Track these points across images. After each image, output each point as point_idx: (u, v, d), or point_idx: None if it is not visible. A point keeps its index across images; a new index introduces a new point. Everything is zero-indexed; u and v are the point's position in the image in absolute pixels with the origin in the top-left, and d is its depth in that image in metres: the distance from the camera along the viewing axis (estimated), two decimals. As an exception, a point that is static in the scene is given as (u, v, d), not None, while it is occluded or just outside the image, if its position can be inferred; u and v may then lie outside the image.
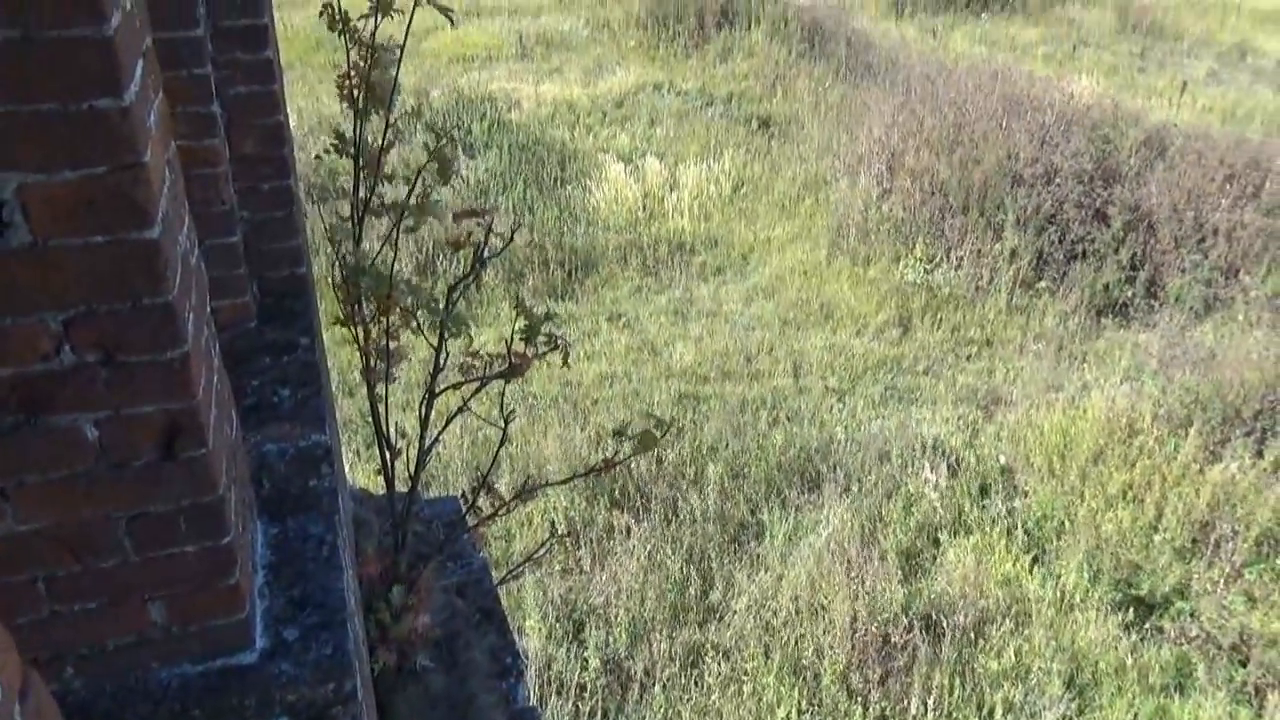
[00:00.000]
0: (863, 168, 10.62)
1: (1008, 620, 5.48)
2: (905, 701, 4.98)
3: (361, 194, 2.34)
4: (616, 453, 2.75)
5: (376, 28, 2.12)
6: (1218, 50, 17.14)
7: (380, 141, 2.31)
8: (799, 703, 4.95)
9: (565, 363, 2.52)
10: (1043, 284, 9.00)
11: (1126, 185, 9.44)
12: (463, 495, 2.91)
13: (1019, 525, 6.18)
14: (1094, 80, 13.94)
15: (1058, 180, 9.49)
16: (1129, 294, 8.88)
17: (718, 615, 5.55)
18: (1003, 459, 6.78)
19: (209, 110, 2.11)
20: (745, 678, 5.10)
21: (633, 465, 6.25)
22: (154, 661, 1.43)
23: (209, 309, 1.56)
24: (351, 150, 2.32)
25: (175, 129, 1.71)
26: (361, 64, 2.21)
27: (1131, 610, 5.62)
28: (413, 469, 2.61)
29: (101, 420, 1.28)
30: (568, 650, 5.17)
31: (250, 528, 1.64)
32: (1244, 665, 5.32)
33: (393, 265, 2.35)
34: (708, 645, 5.30)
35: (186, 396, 1.31)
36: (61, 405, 1.25)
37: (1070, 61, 15.78)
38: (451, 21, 2.28)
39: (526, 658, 5.05)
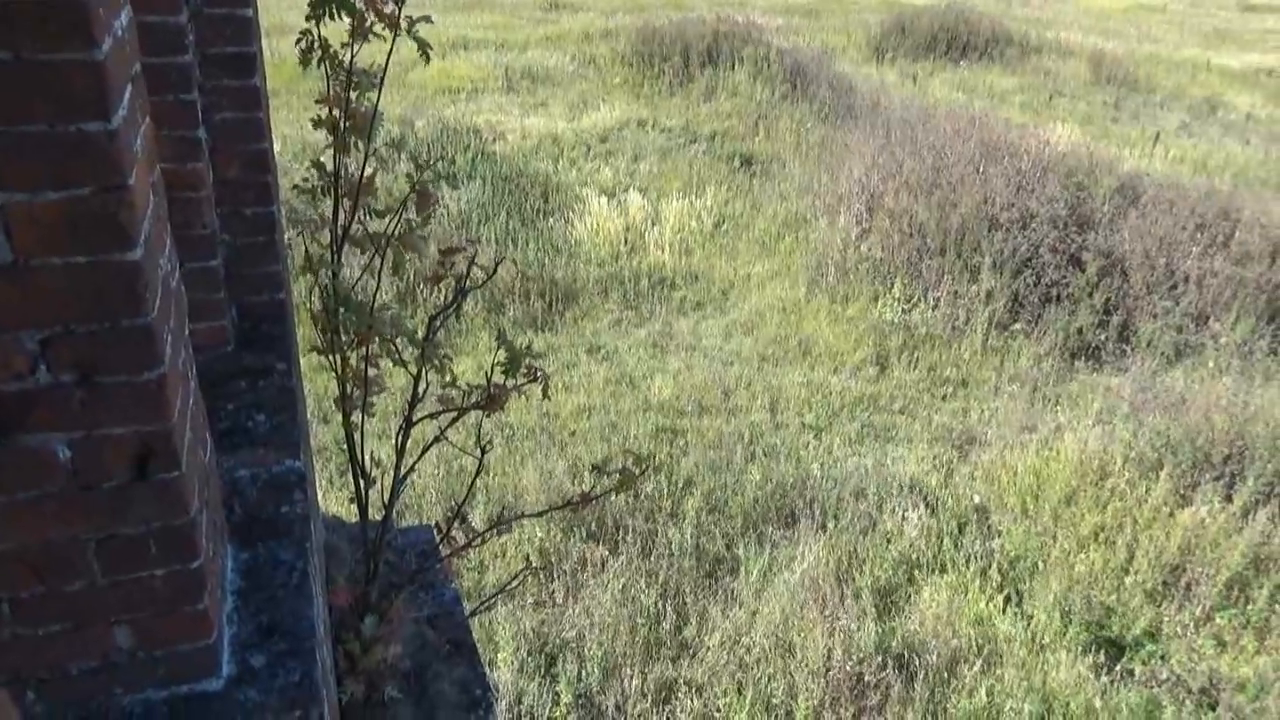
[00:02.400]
0: (842, 208, 10.77)
1: (980, 660, 5.48)
2: (877, 741, 4.96)
3: (342, 222, 2.35)
4: (594, 487, 2.76)
5: (355, 54, 2.14)
6: (1189, 104, 17.59)
7: (360, 171, 2.33)
8: (771, 741, 4.91)
9: (546, 395, 2.53)
10: (1018, 326, 9.12)
11: (1100, 231, 9.62)
12: (436, 526, 2.89)
13: (993, 565, 6.21)
14: (1069, 129, 14.24)
15: (1033, 225, 9.66)
16: (1102, 338, 9.01)
17: (691, 651, 5.51)
18: (977, 498, 6.82)
19: (194, 135, 2.12)
20: (718, 714, 5.06)
21: (609, 498, 6.22)
22: (118, 686, 1.41)
23: (187, 331, 1.56)
24: (330, 180, 2.33)
25: (160, 152, 1.72)
26: (341, 91, 2.23)
27: (1102, 652, 5.63)
28: (387, 498, 2.60)
29: (74, 440, 1.27)
30: (539, 684, 5.11)
31: (221, 552, 1.63)
32: (1213, 709, 5.34)
33: (374, 295, 2.36)
34: (680, 681, 5.26)
35: (161, 419, 1.30)
36: (34, 424, 1.25)
37: (1046, 110, 16.13)
38: (427, 57, 2.30)
39: (497, 691, 4.99)
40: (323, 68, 2.20)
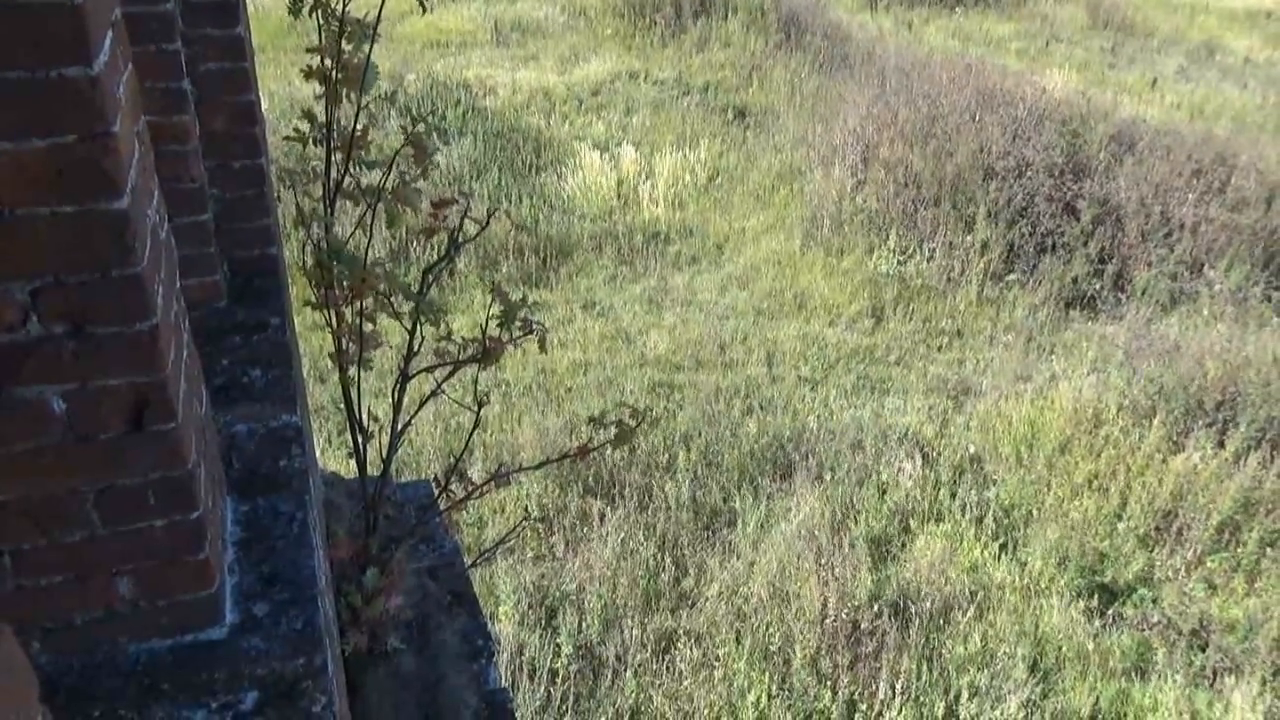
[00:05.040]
0: (837, 159, 10.68)
1: (973, 607, 5.56)
2: (874, 686, 5.05)
3: (334, 175, 2.32)
4: (591, 439, 2.76)
5: (348, 2, 2.09)
6: (1187, 47, 17.39)
7: (354, 123, 2.29)
8: (769, 687, 4.99)
9: (543, 348, 2.52)
10: (1013, 276, 9.10)
11: (1096, 179, 9.56)
12: (435, 479, 2.91)
13: (988, 513, 6.27)
14: (1066, 75, 14.09)
15: (1029, 174, 9.60)
16: (1097, 287, 9.01)
17: (690, 602, 5.58)
18: (972, 448, 6.87)
19: (179, 86, 2.08)
20: (716, 663, 5.14)
21: (606, 453, 6.26)
22: (122, 636, 1.42)
23: (178, 285, 1.55)
24: (322, 132, 2.30)
25: (144, 104, 1.70)
26: (333, 42, 2.18)
27: (1096, 597, 5.72)
28: (385, 453, 2.61)
29: (69, 392, 1.26)
30: (540, 636, 5.18)
31: (220, 504, 1.64)
32: (1203, 650, 5.43)
33: (366, 250, 2.34)
34: (680, 631, 5.33)
35: (155, 370, 1.30)
36: (27, 377, 1.24)
37: (1042, 56, 15.94)
38: (424, 7, 2.26)
39: (498, 643, 5.05)
40: (314, 18, 2.15)
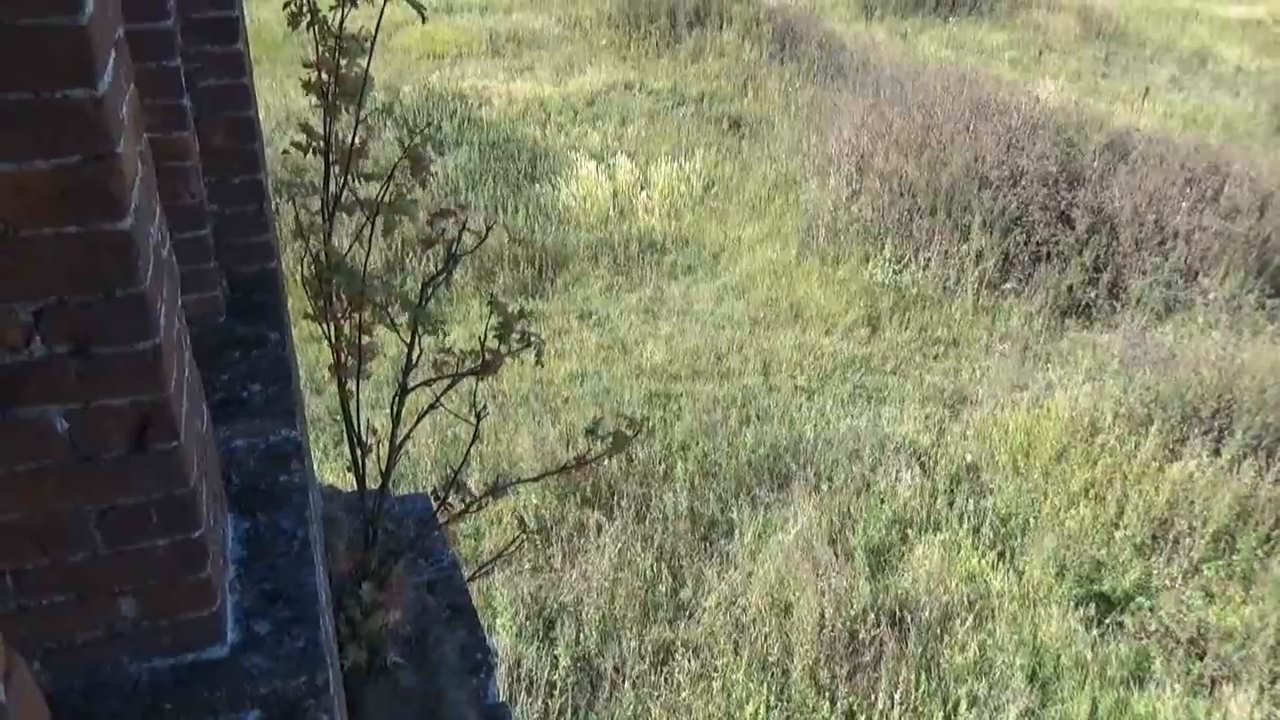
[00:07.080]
0: (832, 168, 10.71)
1: (972, 616, 5.56)
2: (872, 696, 5.04)
3: (332, 189, 2.33)
4: (589, 450, 2.76)
5: (345, 17, 2.10)
6: (1179, 57, 17.48)
7: (352, 136, 2.30)
8: (768, 698, 4.98)
9: (539, 361, 2.52)
10: (1008, 285, 9.13)
11: (1090, 188, 9.60)
12: (433, 492, 2.90)
13: (985, 522, 6.27)
14: (1059, 85, 14.15)
15: (1023, 183, 9.63)
16: (1092, 295, 9.03)
17: (688, 613, 5.57)
18: (969, 457, 6.88)
19: (179, 103, 2.09)
20: (715, 674, 5.13)
21: (603, 463, 6.25)
22: (124, 655, 1.42)
23: (180, 301, 1.55)
24: (321, 145, 2.30)
25: (145, 121, 1.70)
26: (330, 56, 2.19)
27: (1093, 606, 5.72)
28: (383, 466, 2.60)
29: (72, 412, 1.26)
30: (538, 648, 5.17)
31: (221, 522, 1.64)
32: (1201, 658, 5.44)
33: (365, 262, 2.34)
34: (678, 642, 5.32)
35: (158, 389, 1.30)
36: (31, 397, 1.24)
37: (1036, 66, 16.01)
38: (423, 16, 2.27)
39: (496, 655, 5.03)
40: (310, 32, 2.16)
